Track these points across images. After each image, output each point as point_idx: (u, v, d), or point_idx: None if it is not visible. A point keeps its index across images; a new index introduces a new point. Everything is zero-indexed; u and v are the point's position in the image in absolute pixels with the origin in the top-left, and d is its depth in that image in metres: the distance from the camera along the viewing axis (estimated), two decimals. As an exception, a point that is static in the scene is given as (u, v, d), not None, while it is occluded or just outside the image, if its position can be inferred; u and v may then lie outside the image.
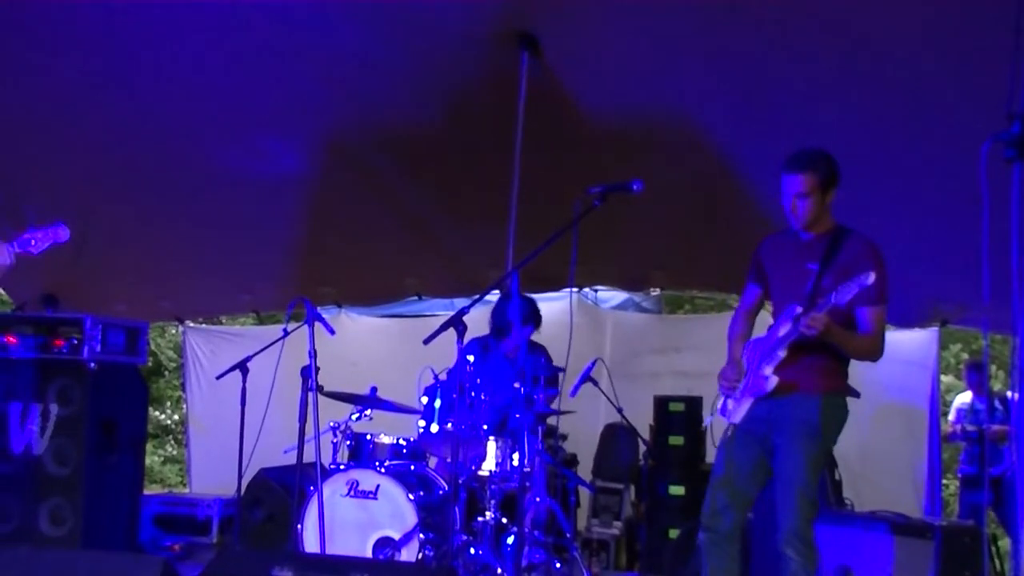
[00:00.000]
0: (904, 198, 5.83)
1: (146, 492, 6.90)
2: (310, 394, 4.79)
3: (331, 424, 5.31)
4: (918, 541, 5.00)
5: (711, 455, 6.78)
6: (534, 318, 5.89)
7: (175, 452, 14.56)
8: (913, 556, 4.98)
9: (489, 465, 5.06)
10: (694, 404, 6.77)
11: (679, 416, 6.75)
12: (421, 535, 4.84)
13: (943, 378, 9.39)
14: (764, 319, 4.30)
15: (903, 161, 5.49)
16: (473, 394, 5.07)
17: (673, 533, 6.29)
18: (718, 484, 4.06)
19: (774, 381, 3.94)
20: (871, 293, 3.82)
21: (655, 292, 9.02)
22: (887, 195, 5.88)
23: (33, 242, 4.78)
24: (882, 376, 7.46)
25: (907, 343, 7.43)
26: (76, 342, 5.51)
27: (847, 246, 3.95)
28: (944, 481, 8.41)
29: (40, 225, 4.82)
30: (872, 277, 3.67)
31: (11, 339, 5.54)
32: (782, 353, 3.93)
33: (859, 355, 3.99)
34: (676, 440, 6.66)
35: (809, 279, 3.99)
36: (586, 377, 5.99)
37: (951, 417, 8.01)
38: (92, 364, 5.50)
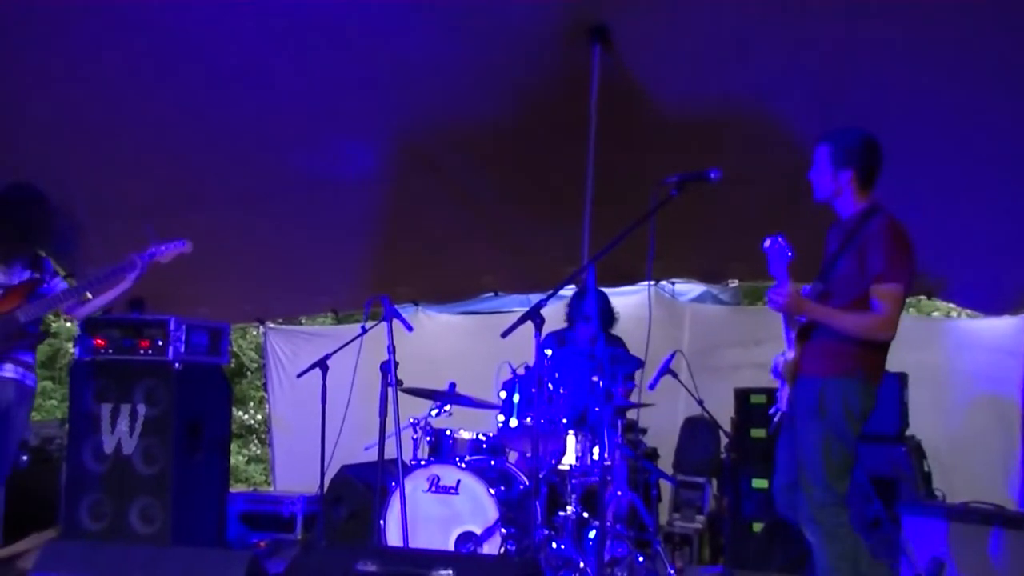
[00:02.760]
0: (989, 185, 5.68)
1: (232, 491, 7.02)
2: (390, 389, 4.83)
3: (411, 420, 5.35)
4: (1017, 533, 4.86)
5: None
6: (608, 317, 5.87)
7: (259, 451, 14.81)
8: (1012, 548, 4.84)
9: (569, 459, 5.06)
10: (776, 396, 6.67)
11: (761, 408, 6.62)
12: (503, 530, 4.85)
13: (1035, 366, 9.08)
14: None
15: (987, 150, 5.34)
16: (551, 388, 5.07)
17: (757, 527, 6.21)
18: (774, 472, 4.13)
19: (777, 365, 4.06)
20: (876, 270, 3.76)
21: (733, 284, 8.91)
22: (972, 183, 5.73)
23: (160, 254, 5.26)
24: (970, 365, 7.28)
25: (995, 331, 7.23)
26: (161, 343, 5.62)
27: (867, 226, 3.89)
28: (1039, 472, 8.15)
29: (164, 239, 5.27)
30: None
31: (100, 341, 5.69)
32: (792, 337, 4.01)
33: (852, 332, 3.88)
34: (758, 433, 6.55)
35: (828, 260, 3.99)
36: (665, 370, 5.93)
37: (1045, 405, 7.76)
38: (177, 364, 5.61)
